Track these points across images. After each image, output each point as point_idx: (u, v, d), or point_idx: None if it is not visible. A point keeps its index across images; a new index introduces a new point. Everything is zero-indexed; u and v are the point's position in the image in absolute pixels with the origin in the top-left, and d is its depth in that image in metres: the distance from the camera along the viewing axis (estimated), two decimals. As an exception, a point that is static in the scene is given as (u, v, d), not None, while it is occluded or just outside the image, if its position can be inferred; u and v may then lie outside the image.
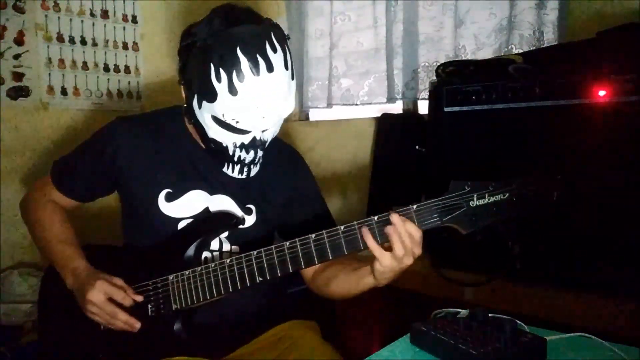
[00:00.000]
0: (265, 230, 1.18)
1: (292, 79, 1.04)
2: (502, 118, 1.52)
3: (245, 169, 1.10)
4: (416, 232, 0.91)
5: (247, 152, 1.07)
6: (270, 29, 1.01)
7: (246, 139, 1.05)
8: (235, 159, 1.08)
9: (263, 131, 1.06)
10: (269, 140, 1.10)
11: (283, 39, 1.02)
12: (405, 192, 2.05)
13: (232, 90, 0.97)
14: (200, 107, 1.03)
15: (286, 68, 1.00)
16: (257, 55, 0.96)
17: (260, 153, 1.09)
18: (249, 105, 0.99)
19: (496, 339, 0.82)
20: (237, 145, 1.06)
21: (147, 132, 1.15)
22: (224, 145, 1.06)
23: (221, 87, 0.97)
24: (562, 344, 0.91)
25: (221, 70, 0.97)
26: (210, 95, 0.99)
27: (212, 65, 0.97)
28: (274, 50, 0.98)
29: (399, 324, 1.04)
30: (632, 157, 1.30)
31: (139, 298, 1.06)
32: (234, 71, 0.96)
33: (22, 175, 2.17)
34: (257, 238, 1.15)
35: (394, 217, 0.90)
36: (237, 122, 1.01)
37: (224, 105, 0.99)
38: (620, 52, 1.38)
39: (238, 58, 0.96)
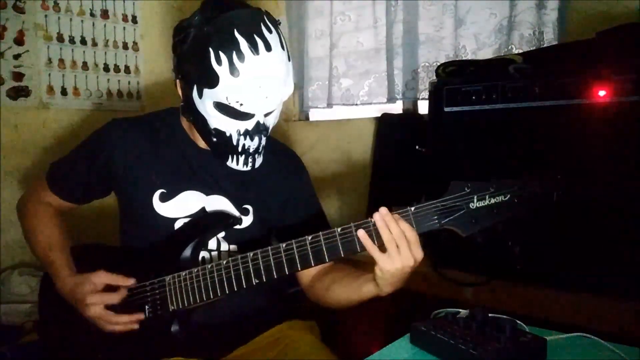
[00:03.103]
0: (263, 231, 1.18)
1: (289, 60, 1.04)
2: (502, 118, 1.52)
3: (250, 159, 1.09)
4: (410, 232, 0.89)
5: (252, 139, 1.06)
6: (262, 12, 1.03)
7: (250, 124, 1.05)
8: (240, 148, 1.07)
9: (266, 115, 1.06)
10: (271, 127, 1.10)
11: (275, 23, 1.03)
12: (405, 192, 2.05)
13: (234, 71, 0.97)
14: (201, 96, 1.03)
15: (282, 48, 1.02)
16: (255, 35, 0.98)
17: (263, 140, 1.09)
18: (251, 85, 0.99)
19: (496, 339, 0.81)
20: (241, 132, 1.05)
21: (141, 134, 1.15)
22: (228, 134, 1.05)
23: (222, 70, 0.98)
24: (562, 344, 0.91)
25: (221, 53, 0.97)
26: (212, 80, 0.99)
27: (211, 49, 0.98)
28: (270, 31, 1.00)
29: (399, 324, 1.03)
30: (632, 157, 1.29)
31: (131, 281, 1.06)
32: (234, 52, 0.97)
33: (22, 175, 2.17)
34: (255, 238, 1.15)
35: (381, 210, 0.89)
36: (241, 104, 1.01)
37: (227, 87, 0.99)
38: (620, 52, 1.38)
39: (236, 39, 0.97)
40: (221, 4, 1.02)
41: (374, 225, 0.90)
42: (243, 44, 0.97)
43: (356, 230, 0.91)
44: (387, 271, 0.91)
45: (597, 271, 1.35)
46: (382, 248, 0.91)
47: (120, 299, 1.05)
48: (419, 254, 0.91)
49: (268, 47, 0.98)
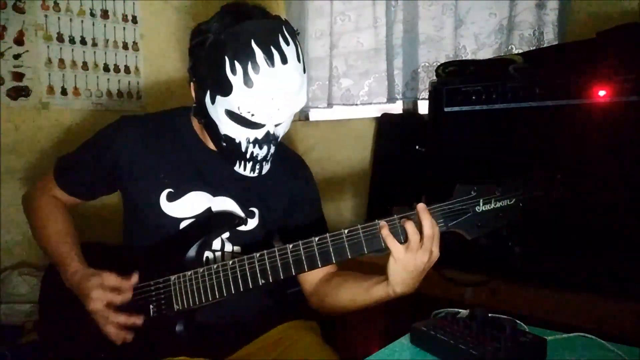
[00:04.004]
0: (267, 234, 1.18)
1: (304, 72, 1.04)
2: (502, 118, 1.52)
3: (258, 166, 1.10)
4: (436, 227, 0.89)
5: (261, 148, 1.06)
6: (281, 23, 1.02)
7: (260, 133, 1.05)
8: (248, 155, 1.07)
9: (276, 126, 1.05)
10: (281, 136, 1.10)
11: (293, 34, 1.03)
12: (405, 192, 2.06)
13: (248, 82, 0.97)
14: (213, 102, 1.03)
15: (299, 61, 1.01)
16: (271, 47, 0.97)
17: (272, 149, 1.09)
18: (264, 97, 0.99)
19: (496, 339, 0.81)
20: (251, 140, 1.05)
21: (151, 132, 1.15)
22: (237, 141, 1.05)
23: (236, 80, 0.97)
24: (562, 344, 0.91)
25: (236, 63, 0.97)
26: (225, 89, 0.99)
27: (226, 58, 0.97)
28: (287, 43, 0.99)
29: (399, 324, 1.04)
30: (632, 157, 1.30)
31: (130, 293, 1.06)
32: (249, 63, 0.96)
33: (22, 175, 2.17)
34: (259, 241, 1.15)
35: (419, 206, 0.89)
36: (252, 114, 1.00)
37: (240, 97, 0.99)
38: (620, 52, 1.38)
39: (253, 50, 0.96)
40: (241, 11, 1.01)
41: (399, 221, 0.90)
42: (259, 55, 0.96)
43: (362, 231, 0.91)
44: (401, 261, 0.90)
45: (597, 271, 1.35)
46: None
47: (122, 302, 1.05)
48: (437, 253, 0.91)
49: (284, 60, 0.98)
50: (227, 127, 1.04)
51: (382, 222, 0.91)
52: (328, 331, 1.22)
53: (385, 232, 0.91)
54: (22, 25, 2.17)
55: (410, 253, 0.90)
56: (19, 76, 2.17)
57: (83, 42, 2.37)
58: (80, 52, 2.36)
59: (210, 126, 1.08)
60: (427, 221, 0.89)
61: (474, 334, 0.84)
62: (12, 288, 2.00)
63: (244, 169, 1.10)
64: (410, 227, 0.89)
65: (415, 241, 0.89)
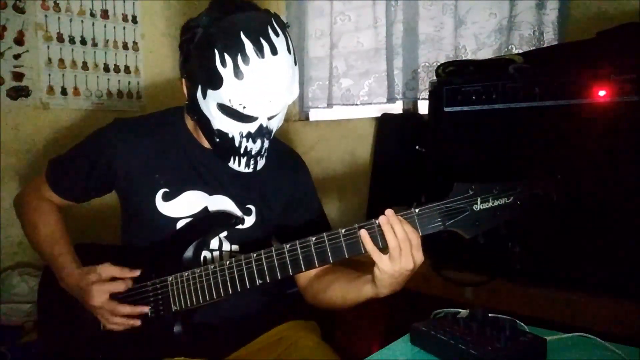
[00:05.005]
0: (265, 231, 1.18)
1: (295, 64, 1.04)
2: (502, 118, 1.52)
3: (252, 162, 1.09)
4: (412, 234, 0.90)
5: (254, 142, 1.06)
6: (270, 15, 1.02)
7: (252, 127, 1.04)
8: (242, 150, 1.07)
9: (269, 119, 1.05)
10: (274, 130, 1.09)
11: (283, 26, 1.02)
12: (405, 192, 2.06)
13: (238, 74, 0.97)
14: (204, 96, 1.03)
15: (289, 52, 1.01)
16: (261, 39, 0.97)
17: (266, 143, 1.08)
18: (255, 89, 0.98)
19: (496, 339, 0.81)
20: (244, 134, 1.05)
21: (145, 134, 1.15)
22: (230, 135, 1.05)
23: (227, 72, 0.97)
24: (562, 344, 0.91)
25: (226, 55, 0.97)
26: (216, 82, 0.99)
27: (216, 51, 0.97)
28: (277, 34, 0.99)
29: (399, 324, 1.03)
30: (632, 157, 1.29)
31: (137, 272, 1.07)
32: (239, 54, 0.96)
33: (22, 175, 2.17)
34: (257, 239, 1.15)
35: (387, 212, 0.90)
36: (244, 107, 1.00)
37: (231, 90, 0.98)
38: (620, 52, 1.38)
39: (242, 42, 0.96)
40: (229, 4, 1.02)
41: (378, 226, 0.91)
42: (248, 46, 0.96)
43: (359, 231, 0.91)
44: (386, 272, 0.91)
45: (597, 271, 1.35)
46: (383, 249, 0.91)
47: (126, 288, 1.05)
48: (420, 258, 0.91)
49: (274, 51, 0.97)
50: (220, 122, 1.04)
51: (364, 232, 0.91)
52: (328, 331, 1.22)
53: (370, 246, 0.91)
54: (22, 25, 2.17)
55: (393, 262, 0.90)
56: (19, 76, 2.17)
57: (83, 42, 2.37)
58: (80, 52, 2.36)
59: (203, 122, 1.07)
60: (398, 226, 0.89)
61: (474, 334, 0.84)
62: (12, 288, 2.00)
63: (239, 165, 1.09)
64: (387, 235, 0.89)
65: (396, 250, 0.89)
